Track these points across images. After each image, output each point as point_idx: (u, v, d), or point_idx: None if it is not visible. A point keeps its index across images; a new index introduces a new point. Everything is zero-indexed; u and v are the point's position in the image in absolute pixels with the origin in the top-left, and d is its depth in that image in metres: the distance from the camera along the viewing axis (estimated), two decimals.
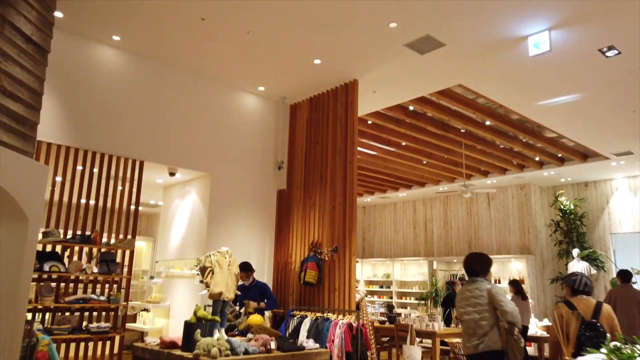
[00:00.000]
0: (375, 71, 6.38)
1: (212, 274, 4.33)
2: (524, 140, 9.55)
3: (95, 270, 5.30)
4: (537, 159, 10.77)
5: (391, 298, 14.55)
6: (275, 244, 7.17)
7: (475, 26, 5.23)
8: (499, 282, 12.36)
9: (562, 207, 11.77)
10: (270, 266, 7.00)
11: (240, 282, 5.53)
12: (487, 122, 8.57)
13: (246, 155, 6.95)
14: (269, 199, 7.14)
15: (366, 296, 11.00)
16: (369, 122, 8.59)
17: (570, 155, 10.00)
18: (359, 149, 9.57)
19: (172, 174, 6.34)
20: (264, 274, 6.88)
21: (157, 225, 9.42)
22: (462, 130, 9.02)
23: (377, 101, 7.30)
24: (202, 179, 6.71)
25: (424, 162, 10.96)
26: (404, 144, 9.96)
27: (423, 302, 13.17)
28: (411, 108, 8.02)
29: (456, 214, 13.96)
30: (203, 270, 4.39)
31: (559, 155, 10.43)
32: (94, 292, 5.41)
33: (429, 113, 8.52)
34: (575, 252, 10.89)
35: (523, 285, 11.95)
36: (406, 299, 14.24)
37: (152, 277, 6.96)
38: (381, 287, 14.94)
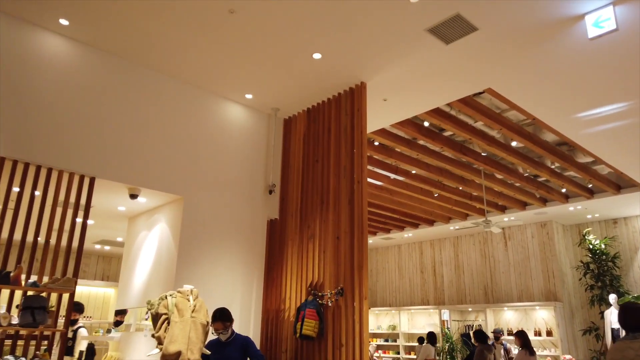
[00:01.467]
0: (388, 70, 5.21)
1: (168, 324, 2.92)
2: (552, 167, 8.34)
3: (15, 321, 3.86)
4: (563, 190, 9.53)
5: (398, 353, 12.86)
6: (264, 287, 5.75)
7: (519, 2, 4.11)
8: None
9: (591, 246, 10.41)
10: (257, 315, 5.54)
11: (214, 337, 4.09)
12: (513, 143, 7.37)
13: (229, 177, 5.65)
14: (257, 230, 5.78)
15: (376, 353, 9.41)
16: (376, 143, 7.38)
17: (602, 185, 8.77)
18: None
19: (133, 197, 5.01)
20: (249, 326, 5.41)
21: None
22: (482, 154, 7.81)
23: (387, 113, 6.10)
24: (174, 205, 5.38)
25: (435, 195, 9.68)
26: (414, 172, 8.72)
27: (438, 358, 11.51)
28: (426, 124, 6.83)
29: (469, 256, 12.56)
30: (156, 318, 3.00)
31: (589, 186, 9.20)
32: (12, 352, 3.94)
33: (447, 132, 7.34)
34: (613, 298, 9.44)
35: (551, 338, 10.46)
36: (415, 355, 12.55)
37: (109, 331, 5.47)
38: (386, 340, 13.28)
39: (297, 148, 6.05)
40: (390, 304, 13.84)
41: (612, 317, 9.46)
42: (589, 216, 10.71)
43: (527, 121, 6.97)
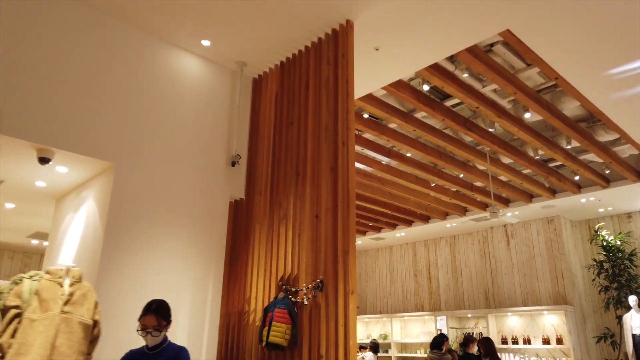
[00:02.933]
0: (381, 4, 4.08)
1: (19, 323, 1.72)
2: (567, 147, 7.25)
3: None
4: (576, 178, 8.45)
5: None
6: (225, 283, 4.53)
7: None
8: (529, 342, 9.66)
9: (605, 243, 9.32)
10: (214, 320, 4.31)
11: (139, 347, 2.87)
12: (527, 115, 6.27)
13: (179, 143, 4.45)
14: (216, 212, 4.57)
15: None
16: (365, 115, 6.23)
17: (621, 170, 7.69)
18: None
19: (44, 161, 3.77)
20: (202, 334, 4.17)
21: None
22: (489, 130, 6.70)
23: (379, 69, 4.95)
24: (105, 177, 4.15)
25: (432, 185, 8.55)
26: (409, 154, 7.59)
27: None
28: (426, 87, 5.69)
29: (467, 257, 11.41)
30: (3, 313, 1.79)
31: (607, 172, 8.13)
32: None
33: (449, 101, 6.23)
34: (633, 300, 8.34)
35: (561, 346, 9.33)
36: None
37: None
38: None
39: (268, 111, 4.88)
40: (381, 311, 12.63)
41: (632, 321, 8.36)
42: (600, 210, 9.64)
43: (545, 86, 5.90)
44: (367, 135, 7.04)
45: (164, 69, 4.51)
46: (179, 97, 4.54)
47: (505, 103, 6.11)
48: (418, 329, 11.69)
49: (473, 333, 10.78)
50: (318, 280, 3.68)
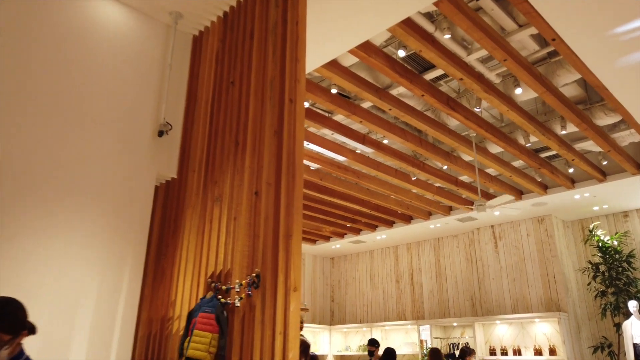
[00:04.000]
0: None
1: None
2: (562, 133, 6.48)
3: None
4: (571, 170, 7.68)
5: None
6: (149, 284, 3.61)
7: None
8: (520, 353, 8.83)
9: (600, 244, 8.55)
10: (129, 329, 3.37)
11: None
12: (518, 91, 5.47)
13: (89, 107, 3.54)
14: (138, 194, 3.65)
15: None
16: (333, 90, 5.38)
17: (620, 160, 6.93)
18: (313, 147, 6.32)
19: None
20: (110, 347, 3.23)
21: None
22: (477, 109, 5.89)
23: (343, 24, 4.11)
24: None
25: (414, 178, 7.72)
26: (386, 141, 6.76)
27: None
28: (402, 54, 4.86)
29: (452, 261, 10.59)
30: None
31: (604, 163, 7.37)
32: None
33: (431, 71, 5.41)
34: (633, 305, 7.55)
35: (554, 358, 8.51)
36: None
37: None
38: None
39: (208, 73, 4.00)
40: (360, 321, 11.72)
41: (633, 329, 7.56)
42: (595, 208, 8.89)
43: (539, 54, 5.12)
44: (338, 118, 6.20)
45: (73, 13, 3.61)
46: (90, 50, 3.64)
47: (493, 77, 5.33)
48: (400, 340, 10.80)
49: (459, 343, 9.93)
50: (254, 275, 2.79)
